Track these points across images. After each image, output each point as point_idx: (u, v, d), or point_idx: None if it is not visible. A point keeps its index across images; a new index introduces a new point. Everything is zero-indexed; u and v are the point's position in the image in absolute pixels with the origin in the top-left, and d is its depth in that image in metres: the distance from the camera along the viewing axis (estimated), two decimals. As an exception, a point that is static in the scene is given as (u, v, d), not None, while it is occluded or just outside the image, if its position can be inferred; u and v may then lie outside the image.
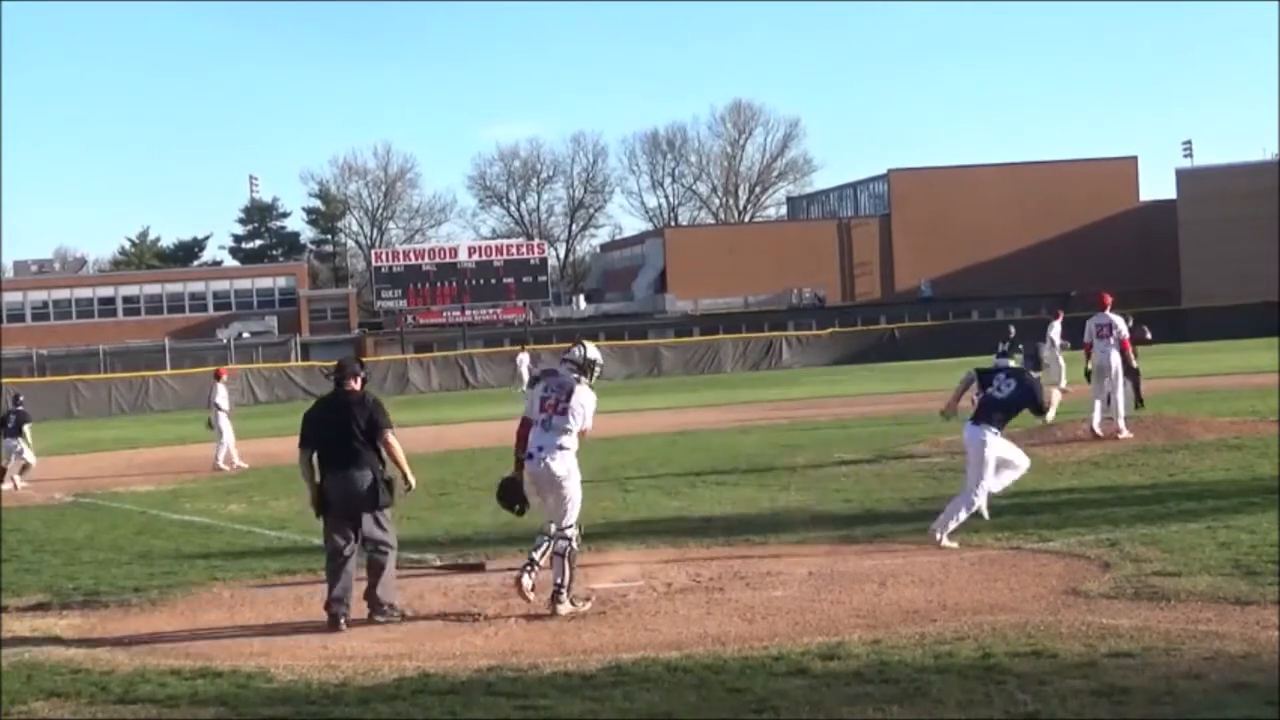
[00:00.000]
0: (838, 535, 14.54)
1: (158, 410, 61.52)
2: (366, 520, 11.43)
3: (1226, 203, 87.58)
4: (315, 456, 11.60)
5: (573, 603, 11.16)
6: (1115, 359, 21.62)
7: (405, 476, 11.65)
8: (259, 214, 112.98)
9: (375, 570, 11.43)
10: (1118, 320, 21.86)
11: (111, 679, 9.42)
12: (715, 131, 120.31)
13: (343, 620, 11.09)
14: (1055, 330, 34.17)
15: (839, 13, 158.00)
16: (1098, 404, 21.91)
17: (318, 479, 11.59)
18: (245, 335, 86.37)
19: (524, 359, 58.10)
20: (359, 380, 11.73)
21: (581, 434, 11.49)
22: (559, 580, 11.19)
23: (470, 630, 10.76)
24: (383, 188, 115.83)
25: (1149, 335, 32.78)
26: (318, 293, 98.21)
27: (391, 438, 11.53)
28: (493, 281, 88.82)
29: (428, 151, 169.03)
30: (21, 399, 29.06)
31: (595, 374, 11.72)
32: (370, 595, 11.32)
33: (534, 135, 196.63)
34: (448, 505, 19.33)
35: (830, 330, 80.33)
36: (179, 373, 68.28)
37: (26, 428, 27.17)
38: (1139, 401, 27.89)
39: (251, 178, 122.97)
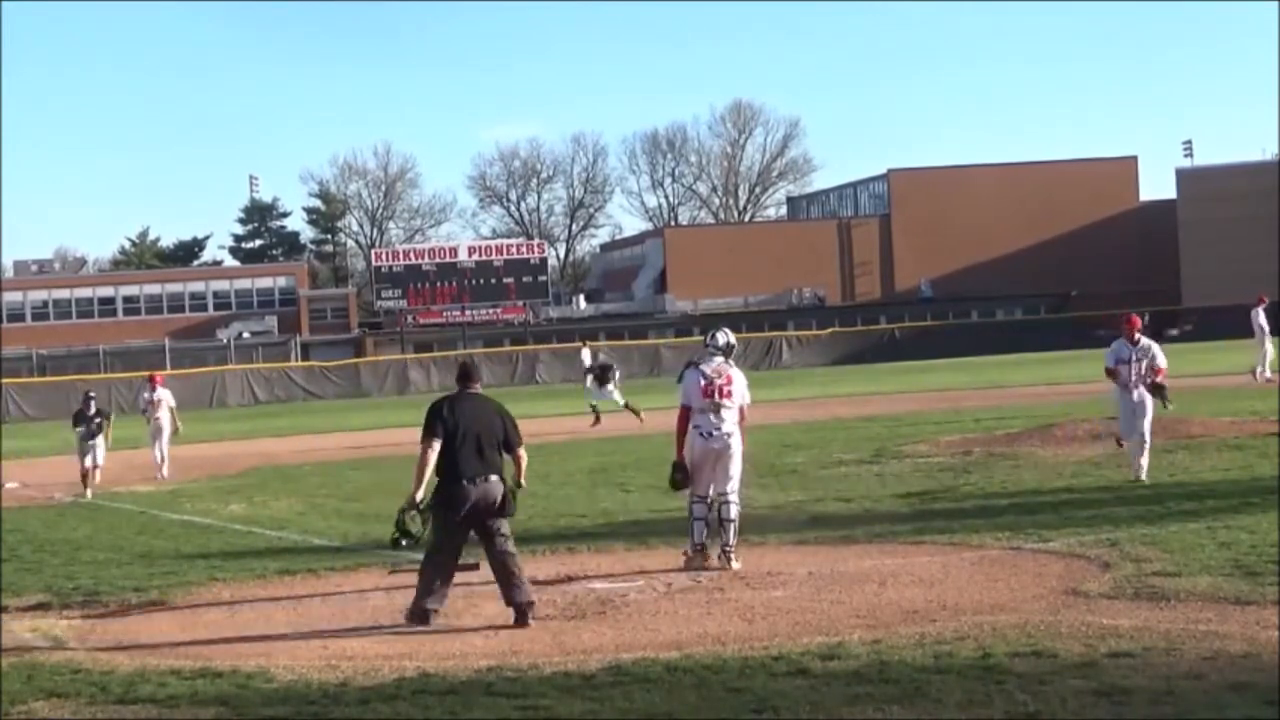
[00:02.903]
0: (838, 535, 14.55)
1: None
2: (494, 527, 11.15)
3: (1226, 203, 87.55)
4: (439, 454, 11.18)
5: (737, 560, 12.75)
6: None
7: (520, 484, 11.52)
8: (259, 214, 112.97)
9: (513, 575, 11.04)
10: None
11: (111, 679, 9.42)
12: (715, 131, 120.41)
13: (433, 617, 10.98)
14: (1260, 317, 34.57)
15: (839, 13, 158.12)
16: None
17: (428, 478, 11.26)
18: (245, 335, 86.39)
19: (586, 354, 57.96)
20: (479, 384, 11.68)
21: (742, 410, 13.10)
22: (730, 542, 12.82)
23: (470, 630, 10.76)
24: (383, 188, 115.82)
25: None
26: (318, 293, 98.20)
27: (523, 454, 11.42)
28: (493, 281, 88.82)
29: (428, 151, 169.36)
30: (93, 395, 26.62)
31: (733, 353, 13.36)
32: (518, 598, 10.92)
33: (534, 135, 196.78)
34: (448, 505, 19.30)
35: (830, 330, 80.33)
36: (179, 372, 68.17)
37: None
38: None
39: (251, 178, 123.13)
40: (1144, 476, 17.08)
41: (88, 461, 24.46)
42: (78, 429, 24.97)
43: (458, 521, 11.08)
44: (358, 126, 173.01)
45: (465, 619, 11.18)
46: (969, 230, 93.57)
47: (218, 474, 26.49)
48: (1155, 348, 17.55)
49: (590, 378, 34.80)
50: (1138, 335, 17.58)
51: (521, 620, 10.74)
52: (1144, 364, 17.42)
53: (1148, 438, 17.33)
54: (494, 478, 11.08)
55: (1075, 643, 9.01)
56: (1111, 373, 17.60)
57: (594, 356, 60.13)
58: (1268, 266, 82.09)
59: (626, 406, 32.93)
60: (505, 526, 11.19)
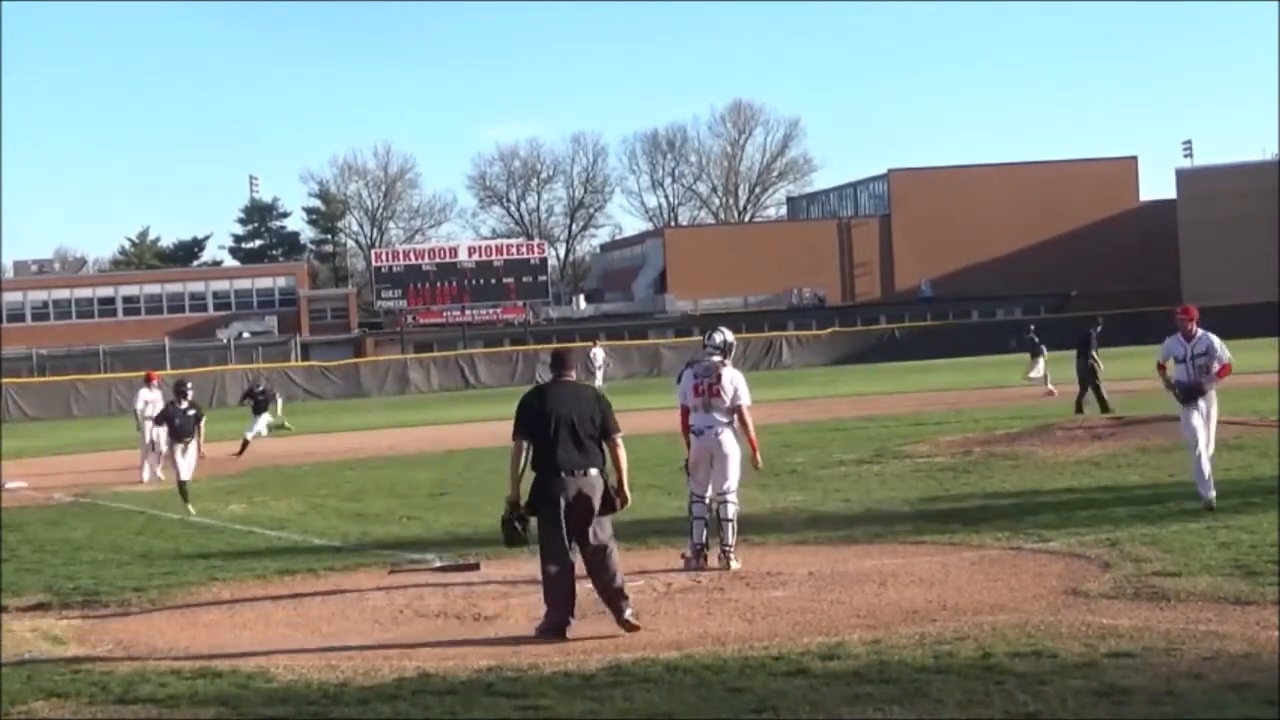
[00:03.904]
0: (838, 535, 14.56)
1: (158, 410, 61.38)
2: (593, 525, 10.45)
3: (1226, 203, 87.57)
4: (532, 450, 10.51)
5: (737, 560, 12.80)
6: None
7: (622, 487, 10.64)
8: (259, 214, 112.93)
9: (609, 569, 10.44)
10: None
11: (111, 679, 9.41)
12: (715, 131, 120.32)
13: (569, 628, 10.27)
14: None
15: (839, 13, 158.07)
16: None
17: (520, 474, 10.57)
18: (245, 335, 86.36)
19: (599, 354, 57.82)
20: (574, 371, 11.00)
21: (740, 410, 13.08)
22: (730, 542, 12.86)
23: (470, 630, 10.76)
24: (383, 188, 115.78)
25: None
26: (318, 293, 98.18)
27: (620, 441, 10.67)
28: (493, 281, 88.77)
29: (428, 151, 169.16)
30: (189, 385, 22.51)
31: (732, 352, 13.34)
32: (614, 593, 10.42)
33: (534, 135, 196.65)
34: (448, 505, 19.34)
35: (830, 330, 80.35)
36: (179, 373, 68.12)
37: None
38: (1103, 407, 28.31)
39: (251, 178, 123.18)
40: (1213, 497, 14.53)
41: (180, 471, 20.52)
42: (159, 426, 21.11)
43: (559, 517, 10.35)
44: (358, 126, 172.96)
45: (466, 619, 11.17)
46: (969, 230, 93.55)
47: (218, 474, 26.46)
48: (1215, 341, 14.91)
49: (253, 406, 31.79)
50: (1194, 328, 14.99)
51: (620, 620, 10.29)
52: (1201, 362, 14.88)
53: (1209, 448, 14.81)
54: (593, 471, 10.43)
55: (1075, 643, 9.01)
56: (1162, 369, 15.35)
57: (606, 356, 59.93)
58: (1268, 266, 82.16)
59: (280, 427, 30.00)
60: (606, 525, 10.55)
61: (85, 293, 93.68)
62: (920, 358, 69.42)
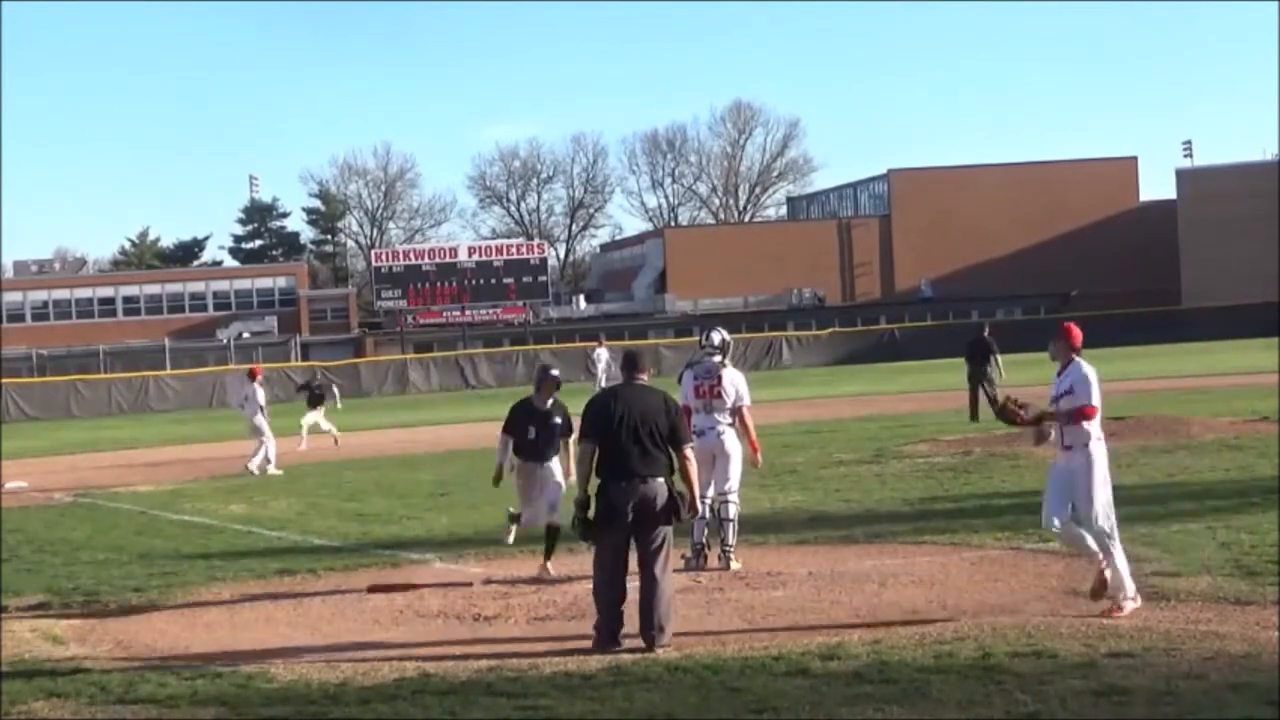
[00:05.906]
0: (838, 535, 14.56)
1: (158, 410, 61.50)
2: (651, 536, 10.04)
3: (1226, 203, 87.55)
4: (597, 455, 10.11)
5: (737, 560, 12.81)
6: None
7: (693, 497, 10.27)
8: (259, 214, 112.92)
9: (656, 595, 9.95)
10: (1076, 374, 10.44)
11: (111, 679, 9.42)
12: (715, 131, 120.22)
13: (621, 636, 9.84)
14: None
15: (839, 13, 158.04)
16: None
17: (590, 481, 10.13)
18: (245, 335, 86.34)
19: (602, 354, 57.63)
20: (648, 374, 10.57)
21: (741, 410, 13.14)
22: (730, 542, 12.88)
23: (470, 630, 10.77)
24: (383, 188, 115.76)
25: None
26: (318, 293, 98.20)
27: (690, 453, 10.28)
28: (493, 281, 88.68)
29: (428, 151, 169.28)
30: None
31: (730, 352, 13.34)
32: (650, 619, 9.89)
33: (534, 135, 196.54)
34: (448, 505, 19.34)
35: (830, 330, 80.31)
36: (179, 373, 68.28)
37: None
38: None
39: (251, 178, 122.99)
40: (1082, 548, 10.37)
41: (549, 506, 13.22)
42: (508, 435, 13.41)
43: (618, 526, 9.96)
44: (358, 126, 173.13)
45: (466, 619, 11.18)
46: (969, 230, 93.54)
47: (218, 474, 26.44)
48: (1084, 374, 10.31)
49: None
50: (1072, 356, 10.44)
51: (648, 647, 9.75)
52: (1065, 404, 10.35)
53: (1093, 515, 10.45)
54: (658, 479, 10.03)
55: (1075, 643, 9.02)
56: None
57: (610, 357, 59.51)
58: (1268, 266, 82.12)
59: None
60: (663, 539, 10.10)
61: (85, 293, 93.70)
62: (920, 358, 69.36)
